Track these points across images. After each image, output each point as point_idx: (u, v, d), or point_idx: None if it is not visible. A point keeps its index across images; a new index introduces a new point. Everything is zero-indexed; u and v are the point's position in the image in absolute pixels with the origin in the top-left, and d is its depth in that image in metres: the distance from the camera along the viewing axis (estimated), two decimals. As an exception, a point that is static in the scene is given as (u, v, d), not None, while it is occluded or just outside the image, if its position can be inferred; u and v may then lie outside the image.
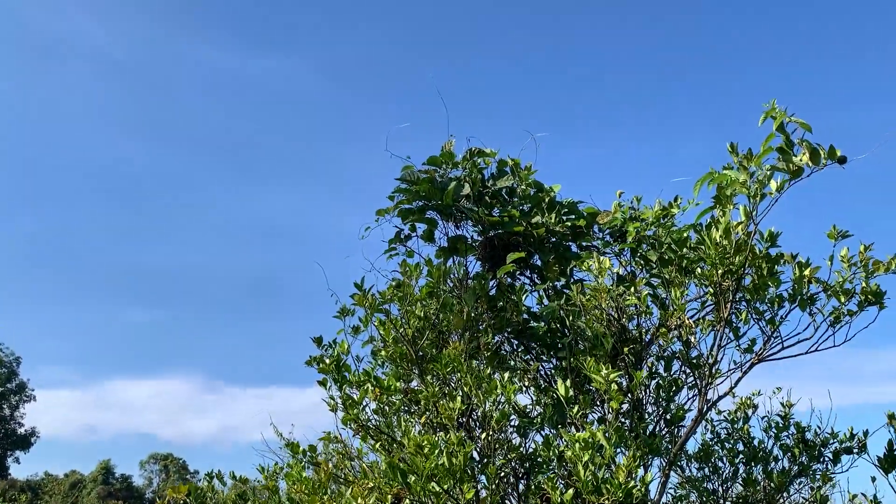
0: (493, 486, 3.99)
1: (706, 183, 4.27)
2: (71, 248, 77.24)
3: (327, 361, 4.23)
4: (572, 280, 4.93)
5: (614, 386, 3.77)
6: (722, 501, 5.67)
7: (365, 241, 5.08)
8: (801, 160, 3.76)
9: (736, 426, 5.88)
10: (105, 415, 76.62)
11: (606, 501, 3.38)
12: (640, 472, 3.70)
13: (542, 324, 5.21)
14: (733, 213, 4.14)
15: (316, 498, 4.18)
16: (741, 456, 5.67)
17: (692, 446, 5.81)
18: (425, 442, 3.54)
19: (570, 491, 3.54)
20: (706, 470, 5.77)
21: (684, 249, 4.32)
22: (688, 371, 5.26)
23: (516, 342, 5.52)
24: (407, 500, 4.16)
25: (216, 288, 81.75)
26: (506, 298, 5.11)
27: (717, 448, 5.81)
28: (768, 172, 3.88)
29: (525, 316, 5.34)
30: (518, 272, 5.30)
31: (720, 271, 4.01)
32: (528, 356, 5.41)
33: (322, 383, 4.29)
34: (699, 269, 4.11)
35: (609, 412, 3.84)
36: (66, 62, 78.77)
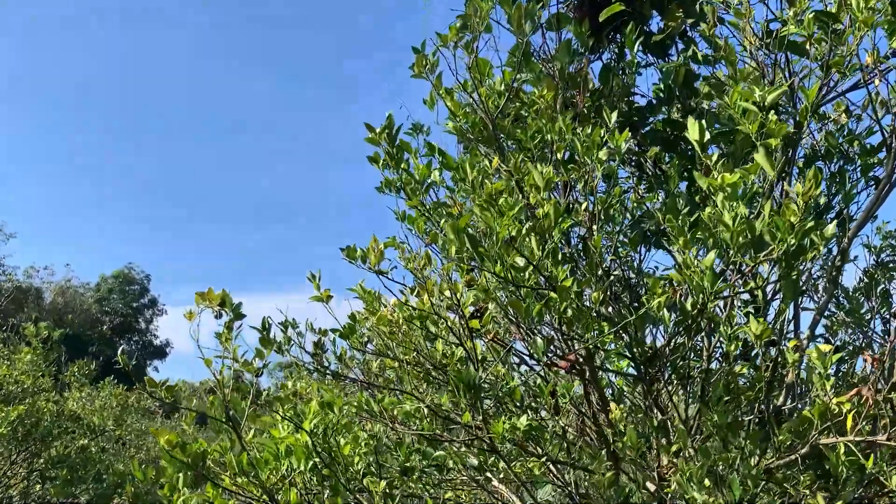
0: (597, 275, 2.94)
1: None
2: (190, 178, 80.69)
3: (377, 130, 3.24)
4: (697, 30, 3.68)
5: (772, 115, 2.59)
6: (892, 337, 4.48)
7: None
8: None
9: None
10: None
11: (771, 255, 2.28)
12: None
13: (660, 114, 4.04)
14: None
15: (371, 298, 3.31)
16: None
17: (849, 280, 4.61)
18: (500, 194, 2.52)
19: (711, 255, 2.45)
20: (872, 302, 4.59)
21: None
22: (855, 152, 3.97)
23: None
24: (490, 305, 3.21)
25: (326, 206, 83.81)
26: (612, 74, 3.95)
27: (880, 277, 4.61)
28: None
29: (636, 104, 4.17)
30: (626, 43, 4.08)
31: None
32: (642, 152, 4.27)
33: (374, 160, 3.31)
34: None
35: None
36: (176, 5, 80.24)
